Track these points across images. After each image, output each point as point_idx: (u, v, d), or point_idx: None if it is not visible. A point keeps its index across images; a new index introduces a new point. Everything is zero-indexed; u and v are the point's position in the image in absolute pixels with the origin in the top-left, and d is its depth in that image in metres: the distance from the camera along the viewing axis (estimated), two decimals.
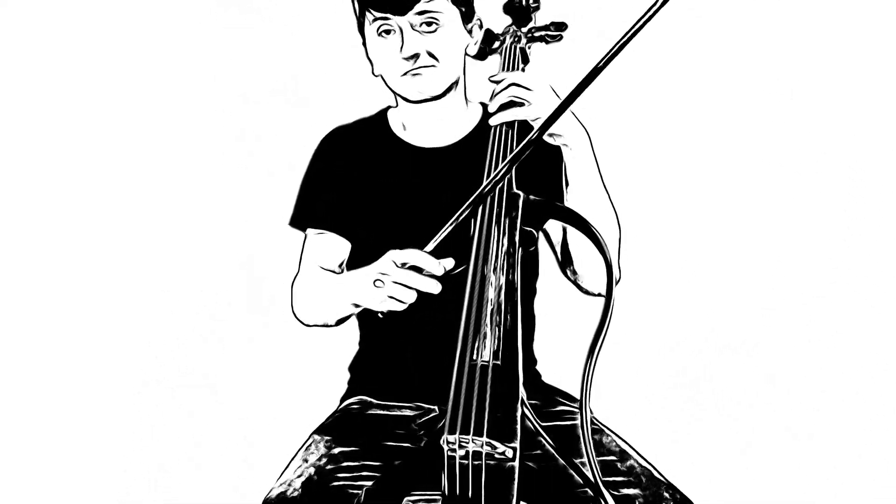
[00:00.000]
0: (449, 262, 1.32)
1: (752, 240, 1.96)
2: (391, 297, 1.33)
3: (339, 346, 1.67)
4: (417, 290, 1.32)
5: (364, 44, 1.56)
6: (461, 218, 1.31)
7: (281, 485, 1.42)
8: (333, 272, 1.60)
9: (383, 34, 1.50)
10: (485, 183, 1.32)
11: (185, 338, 1.97)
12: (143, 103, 1.99)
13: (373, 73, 1.56)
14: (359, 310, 1.49)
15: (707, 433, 1.92)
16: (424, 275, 1.31)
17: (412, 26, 1.48)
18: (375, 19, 1.49)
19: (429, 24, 1.49)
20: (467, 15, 1.54)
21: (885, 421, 1.94)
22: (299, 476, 1.42)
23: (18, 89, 1.99)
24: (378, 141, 1.61)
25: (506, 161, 1.32)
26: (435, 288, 1.31)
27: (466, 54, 1.56)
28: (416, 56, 1.49)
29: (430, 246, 1.31)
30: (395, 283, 1.32)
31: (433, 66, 1.50)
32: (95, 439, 1.96)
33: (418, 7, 1.47)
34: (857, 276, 1.96)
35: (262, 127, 1.97)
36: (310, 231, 1.63)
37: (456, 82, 1.56)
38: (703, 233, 1.95)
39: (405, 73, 1.50)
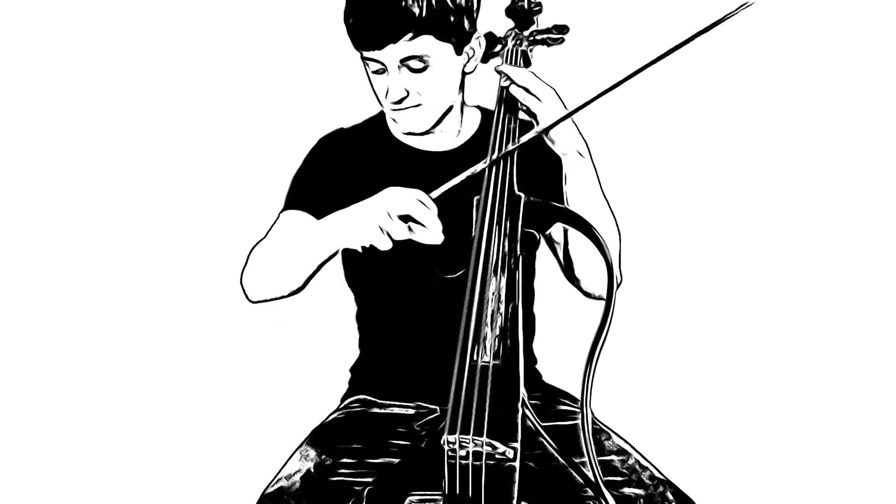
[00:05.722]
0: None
1: (752, 241, 1.96)
2: (381, 230, 1.30)
3: (339, 346, 1.67)
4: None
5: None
6: (474, 172, 1.33)
7: (279, 480, 1.42)
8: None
9: (376, 73, 1.46)
10: (512, 146, 1.36)
11: (185, 338, 1.97)
12: (141, 104, 2.00)
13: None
14: (327, 257, 1.43)
15: (707, 433, 1.93)
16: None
17: (400, 65, 1.43)
18: (365, 59, 1.46)
19: (416, 65, 1.43)
20: (460, 43, 1.46)
21: (885, 421, 1.94)
22: (298, 471, 1.42)
23: (17, 89, 2.00)
24: (379, 143, 1.59)
25: (536, 128, 1.35)
26: (437, 238, 1.30)
27: (465, 73, 1.52)
28: (401, 100, 1.46)
29: (436, 193, 1.30)
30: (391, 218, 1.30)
31: (419, 105, 1.47)
32: (95, 439, 1.97)
33: (404, 52, 1.41)
34: (856, 276, 1.96)
35: (261, 128, 1.97)
36: (288, 211, 1.55)
37: (450, 108, 1.52)
38: (704, 234, 1.95)
39: (392, 111, 1.48)
